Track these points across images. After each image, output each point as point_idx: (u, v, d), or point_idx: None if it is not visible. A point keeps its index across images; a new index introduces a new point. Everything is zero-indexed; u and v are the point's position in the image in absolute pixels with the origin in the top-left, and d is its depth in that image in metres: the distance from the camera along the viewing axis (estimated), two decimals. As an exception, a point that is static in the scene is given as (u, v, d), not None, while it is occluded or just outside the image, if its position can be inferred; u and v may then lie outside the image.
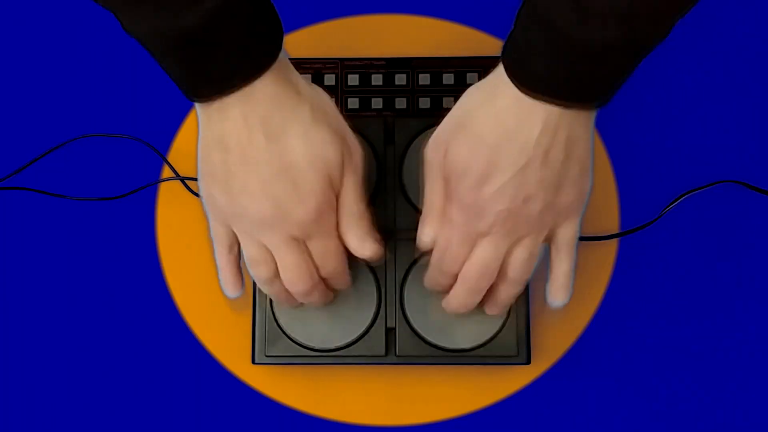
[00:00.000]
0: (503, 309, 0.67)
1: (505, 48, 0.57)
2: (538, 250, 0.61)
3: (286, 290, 0.64)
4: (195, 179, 0.78)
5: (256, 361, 0.71)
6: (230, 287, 0.64)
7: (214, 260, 0.64)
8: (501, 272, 0.62)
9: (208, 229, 0.63)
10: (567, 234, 0.62)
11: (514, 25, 0.56)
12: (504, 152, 0.56)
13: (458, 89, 0.75)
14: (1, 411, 0.76)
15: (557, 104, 0.55)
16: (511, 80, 0.55)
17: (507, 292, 0.64)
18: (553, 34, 0.52)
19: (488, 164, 0.57)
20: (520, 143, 0.56)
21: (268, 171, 0.57)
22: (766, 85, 0.80)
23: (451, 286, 0.65)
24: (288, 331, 0.70)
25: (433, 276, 0.66)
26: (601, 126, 0.79)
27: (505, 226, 0.59)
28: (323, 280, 0.64)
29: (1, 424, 0.75)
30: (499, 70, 0.57)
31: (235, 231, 0.61)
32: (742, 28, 0.81)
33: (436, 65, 0.76)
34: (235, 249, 0.63)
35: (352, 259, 0.64)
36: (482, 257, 0.61)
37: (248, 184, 0.58)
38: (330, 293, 0.67)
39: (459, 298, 0.64)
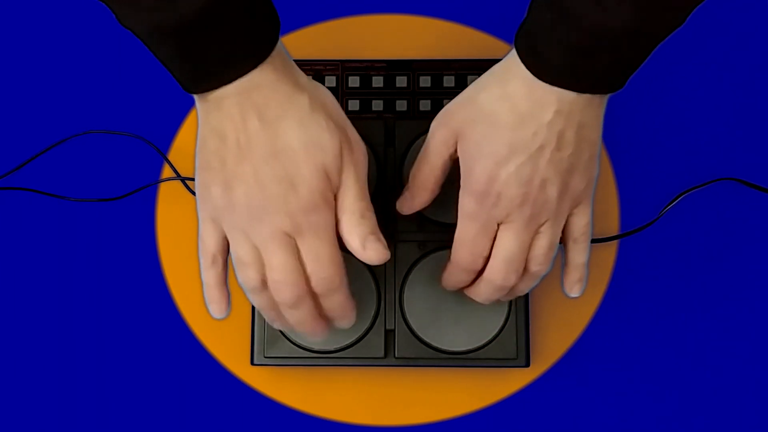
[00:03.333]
0: (514, 297, 0.66)
1: (518, 34, 0.57)
2: (558, 239, 0.61)
3: (275, 303, 0.59)
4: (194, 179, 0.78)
5: (255, 362, 0.71)
6: (215, 306, 0.60)
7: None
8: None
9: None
10: (581, 222, 0.62)
11: (528, 12, 0.56)
12: (519, 134, 0.56)
13: (459, 91, 0.75)
14: (1, 411, 0.76)
15: (569, 89, 0.55)
16: (525, 65, 0.56)
17: (525, 285, 0.63)
18: (567, 19, 0.52)
19: (503, 146, 0.57)
20: (535, 126, 0.56)
21: (260, 154, 0.56)
22: (760, 82, 0.80)
23: (471, 282, 0.64)
24: (287, 333, 0.71)
25: (453, 276, 0.64)
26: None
27: (523, 212, 0.58)
28: (322, 305, 0.60)
29: (1, 424, 0.75)
30: (512, 55, 0.57)
31: (225, 230, 0.59)
32: (736, 27, 0.81)
33: (436, 67, 0.76)
34: (219, 261, 0.60)
35: (351, 264, 0.64)
36: (506, 250, 0.59)
37: (241, 170, 0.56)
38: (323, 323, 0.61)
39: (482, 294, 0.64)
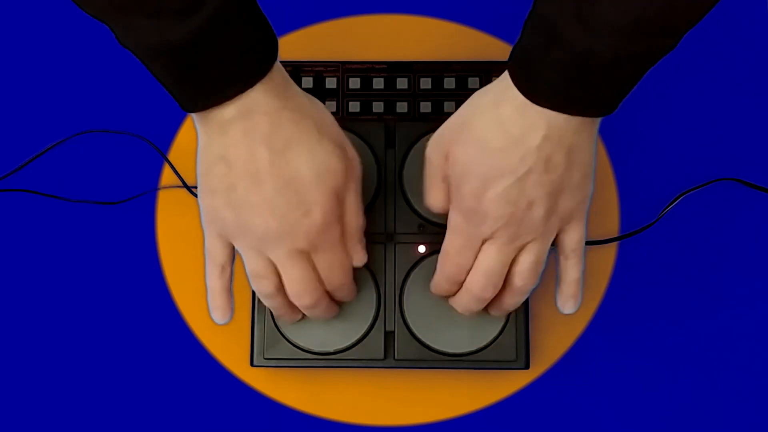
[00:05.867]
0: (506, 313, 0.68)
1: (511, 55, 0.57)
2: (545, 256, 0.62)
3: (287, 304, 0.64)
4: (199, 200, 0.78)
5: (255, 363, 0.71)
6: (219, 313, 0.63)
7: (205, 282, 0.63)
8: (507, 281, 0.63)
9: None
10: (573, 238, 0.62)
11: (521, 34, 0.56)
12: (507, 158, 0.57)
13: (459, 93, 0.76)
14: (1, 411, 0.76)
15: (561, 112, 0.55)
16: (517, 87, 0.56)
17: (512, 300, 0.64)
18: (558, 45, 0.53)
19: (490, 169, 0.57)
20: (523, 150, 0.56)
21: (272, 185, 0.57)
22: (760, 82, 0.80)
23: (457, 292, 0.65)
24: (287, 334, 0.71)
25: (438, 283, 0.66)
26: (600, 130, 0.79)
27: (508, 231, 0.59)
28: (328, 292, 0.64)
29: (1, 424, 0.75)
30: (506, 76, 0.57)
31: (237, 246, 0.61)
32: (736, 27, 0.81)
33: (437, 69, 0.76)
34: (228, 271, 0.62)
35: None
36: (487, 264, 0.61)
37: (253, 198, 0.58)
38: (335, 308, 0.67)
39: (463, 304, 0.65)
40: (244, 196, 0.58)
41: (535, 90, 0.55)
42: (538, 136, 0.56)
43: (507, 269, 0.61)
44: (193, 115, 0.58)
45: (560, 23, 0.52)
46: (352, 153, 0.62)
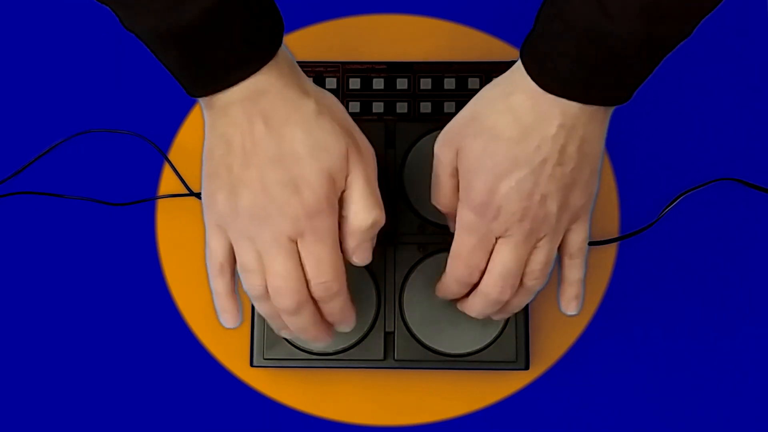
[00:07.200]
0: (510, 315, 0.66)
1: (524, 45, 0.56)
2: (554, 255, 0.60)
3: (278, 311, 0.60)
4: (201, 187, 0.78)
5: (255, 364, 0.71)
6: (227, 316, 0.60)
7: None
8: None
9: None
10: (578, 238, 0.61)
11: (535, 23, 0.56)
12: (522, 147, 0.56)
13: (459, 94, 0.76)
14: (2, 411, 0.76)
15: (576, 101, 0.55)
16: (530, 76, 0.55)
17: (519, 301, 0.62)
18: (573, 31, 0.52)
19: (504, 159, 0.56)
20: (538, 139, 0.55)
21: (265, 159, 0.55)
22: (760, 82, 0.80)
23: (466, 294, 0.63)
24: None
25: (447, 287, 0.64)
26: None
27: (522, 227, 0.57)
28: (322, 310, 0.60)
29: (2, 424, 0.76)
30: (518, 67, 0.57)
31: (230, 237, 0.58)
32: (736, 27, 0.81)
33: (437, 70, 0.76)
34: (227, 269, 0.59)
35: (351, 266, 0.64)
36: (503, 265, 0.59)
37: (246, 175, 0.56)
38: (327, 329, 0.61)
39: (477, 309, 0.63)
40: (239, 175, 0.56)
41: (549, 79, 0.54)
42: (553, 125, 0.55)
43: (523, 269, 0.59)
44: (200, 99, 0.57)
45: (576, 11, 0.51)
46: (362, 139, 0.59)
